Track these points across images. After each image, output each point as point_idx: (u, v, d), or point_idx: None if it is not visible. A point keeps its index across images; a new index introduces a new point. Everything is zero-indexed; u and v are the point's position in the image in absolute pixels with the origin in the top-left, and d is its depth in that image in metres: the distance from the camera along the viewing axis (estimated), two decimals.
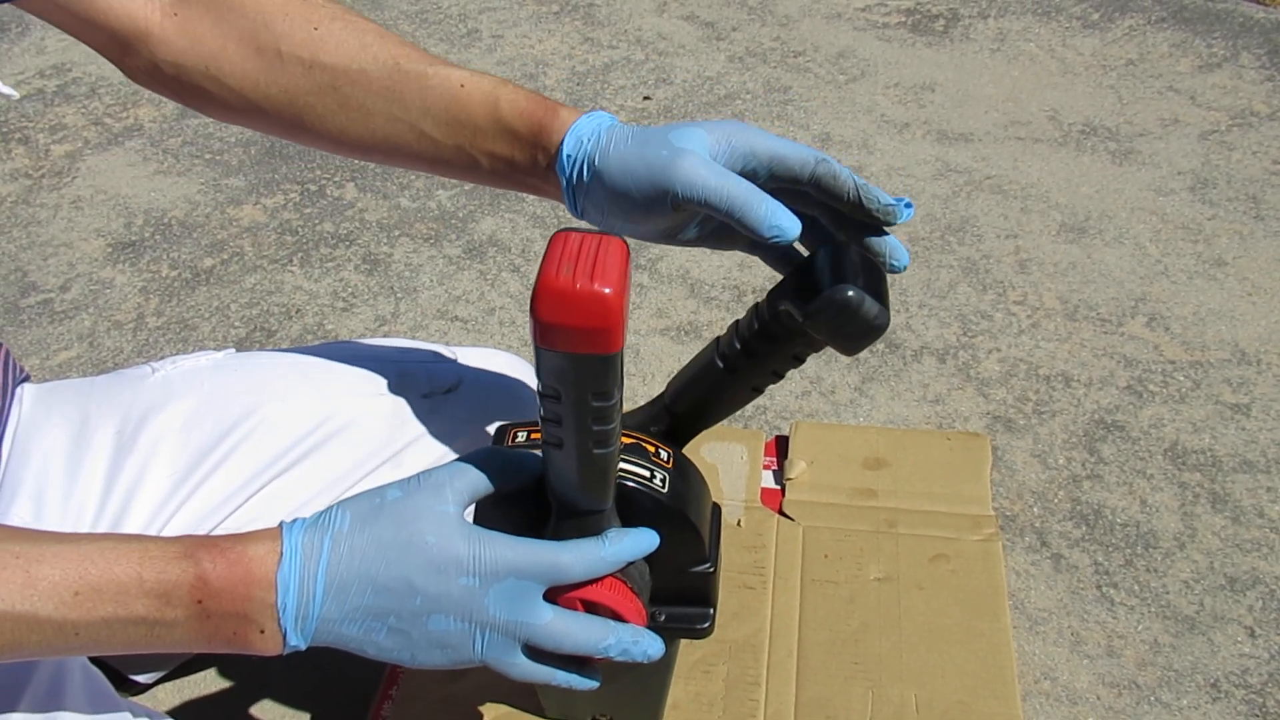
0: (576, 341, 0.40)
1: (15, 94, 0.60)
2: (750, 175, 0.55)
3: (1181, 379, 1.25)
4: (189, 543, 0.47)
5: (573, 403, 0.43)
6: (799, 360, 0.57)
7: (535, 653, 0.50)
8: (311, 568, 0.46)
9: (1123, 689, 0.94)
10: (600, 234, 0.41)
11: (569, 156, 0.57)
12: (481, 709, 0.75)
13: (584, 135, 0.57)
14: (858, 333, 0.53)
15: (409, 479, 0.49)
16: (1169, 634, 0.98)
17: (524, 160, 0.59)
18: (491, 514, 0.51)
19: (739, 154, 0.55)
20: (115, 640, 0.46)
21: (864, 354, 1.30)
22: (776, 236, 0.52)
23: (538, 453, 0.51)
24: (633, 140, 0.55)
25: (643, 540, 0.51)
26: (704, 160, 0.53)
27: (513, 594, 0.47)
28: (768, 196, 0.53)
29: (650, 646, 0.51)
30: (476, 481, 0.49)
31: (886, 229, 0.57)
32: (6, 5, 0.60)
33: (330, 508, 0.48)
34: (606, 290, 0.39)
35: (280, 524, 0.48)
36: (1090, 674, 0.95)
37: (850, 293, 0.51)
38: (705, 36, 2.00)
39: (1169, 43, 1.91)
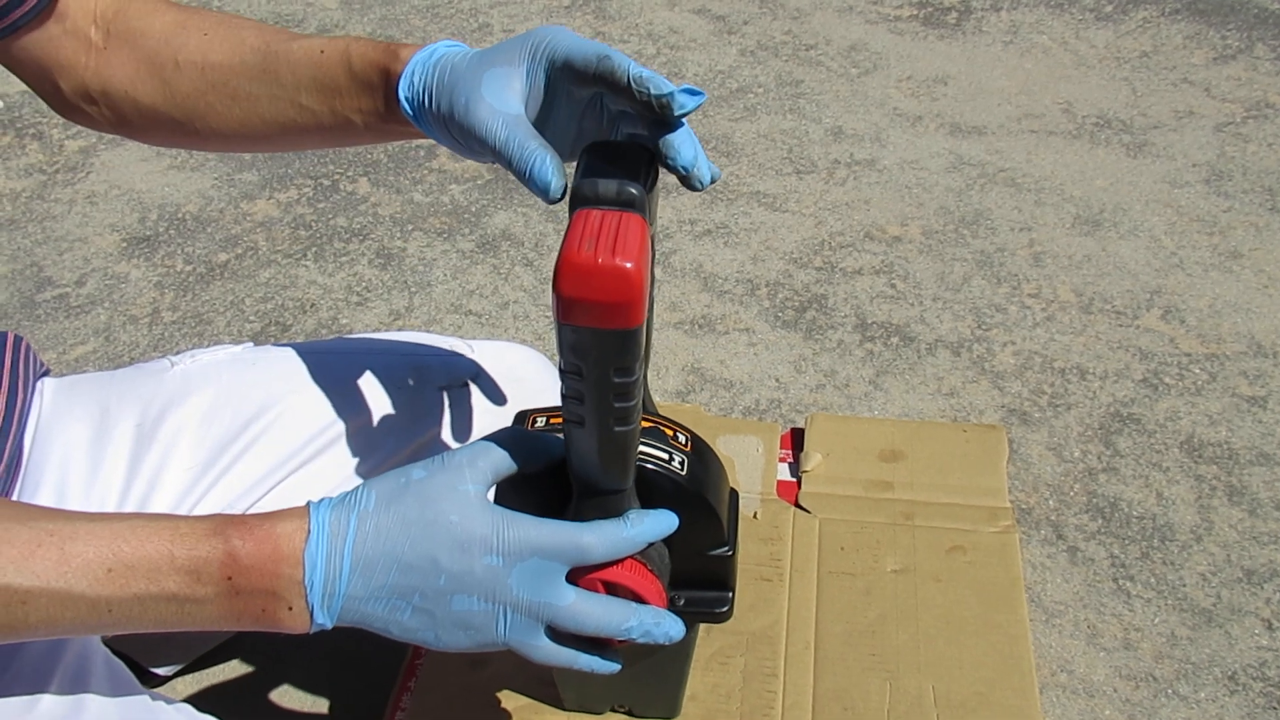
0: (598, 316, 0.40)
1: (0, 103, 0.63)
2: (561, 85, 0.55)
3: (1198, 371, 1.25)
4: (219, 520, 0.47)
5: (594, 379, 0.43)
6: None
7: (557, 635, 0.50)
8: (338, 545, 0.47)
9: (1140, 682, 0.94)
10: (621, 212, 0.42)
11: (407, 99, 0.58)
12: (500, 700, 0.75)
13: (415, 74, 0.58)
14: None
15: (432, 459, 0.49)
16: (1186, 627, 0.98)
17: (384, 109, 0.61)
18: (511, 496, 0.51)
19: (543, 68, 0.55)
20: (147, 617, 0.47)
21: (878, 347, 1.30)
22: (540, 194, 0.52)
23: (559, 435, 0.51)
24: (450, 76, 0.56)
25: (663, 521, 0.51)
26: (492, 108, 0.54)
27: (536, 574, 0.48)
28: (535, 154, 0.52)
29: (672, 628, 0.51)
30: (499, 462, 0.50)
31: (677, 122, 0.52)
32: None
33: (356, 487, 0.49)
34: (628, 264, 0.39)
35: (307, 503, 0.48)
36: (1107, 666, 0.95)
37: (581, 188, 0.49)
38: (717, 30, 2.00)
39: (1183, 34, 1.90)
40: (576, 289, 0.40)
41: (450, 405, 0.79)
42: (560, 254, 0.40)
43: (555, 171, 0.51)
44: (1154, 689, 0.93)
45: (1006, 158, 1.62)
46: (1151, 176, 1.57)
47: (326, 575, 0.47)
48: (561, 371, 0.44)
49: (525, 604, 0.48)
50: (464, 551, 0.47)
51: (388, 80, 0.59)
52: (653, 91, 0.50)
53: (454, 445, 0.77)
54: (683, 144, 0.51)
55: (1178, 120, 1.68)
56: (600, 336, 0.41)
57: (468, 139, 0.55)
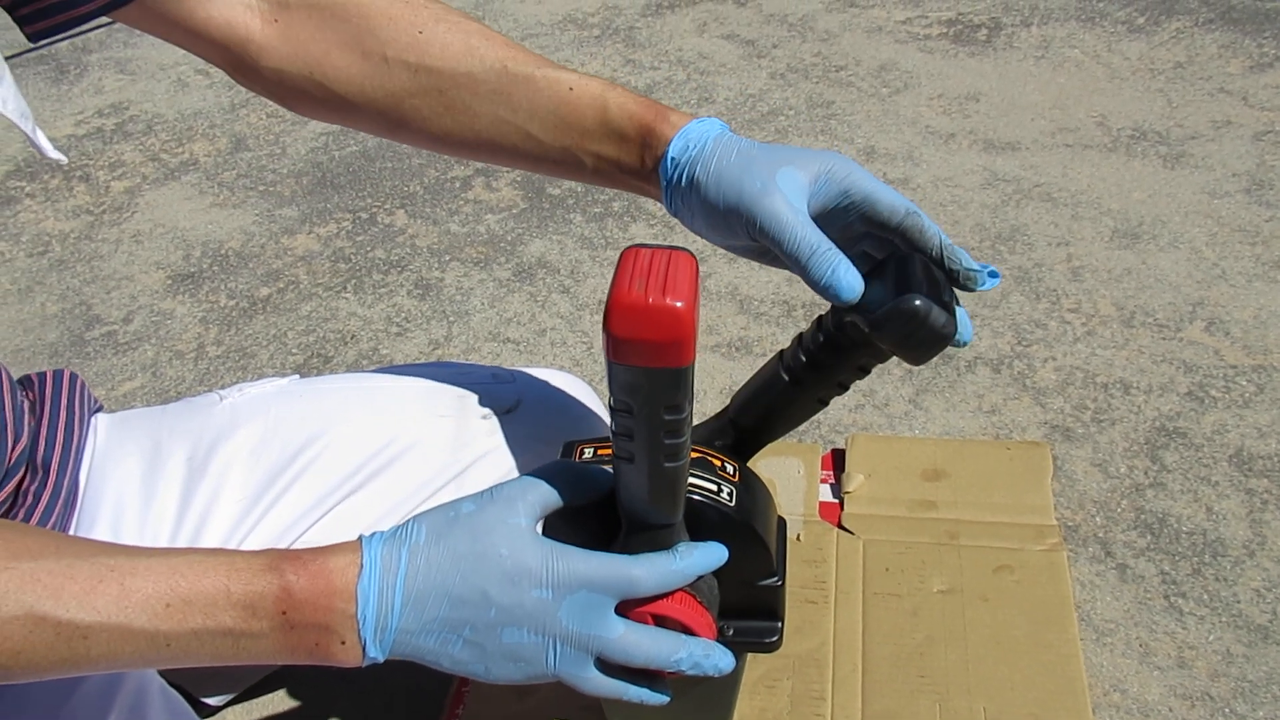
0: (649, 355, 0.41)
1: (64, 159, 0.62)
2: (841, 212, 0.56)
3: (1244, 384, 1.23)
4: (273, 555, 0.48)
5: (645, 417, 0.43)
6: (864, 371, 0.57)
7: (607, 667, 0.50)
8: (390, 579, 0.47)
9: (1196, 701, 0.92)
10: (670, 249, 0.42)
11: (673, 160, 0.58)
12: None
13: (691, 142, 0.58)
14: (926, 341, 0.53)
15: (482, 493, 0.50)
16: (1241, 644, 0.96)
17: (630, 162, 0.60)
18: (560, 528, 0.52)
19: (835, 191, 0.56)
20: (204, 651, 0.47)
21: (917, 366, 1.30)
22: (834, 298, 0.53)
23: (607, 468, 0.52)
24: (736, 158, 0.56)
25: (712, 554, 0.51)
26: (789, 205, 0.54)
27: (585, 606, 0.48)
28: (837, 258, 0.53)
29: (721, 660, 0.51)
30: (547, 495, 0.50)
31: (964, 293, 0.56)
32: (99, 22, 0.62)
33: (407, 521, 0.49)
34: (678, 304, 0.40)
35: (359, 537, 0.49)
36: (1161, 686, 0.93)
37: (917, 302, 0.51)
38: (746, 54, 2.01)
39: (1218, 44, 1.88)
40: (627, 328, 0.40)
41: (493, 433, 0.80)
42: (611, 293, 0.41)
43: (857, 276, 0.53)
44: (1210, 708, 0.91)
45: (1041, 173, 1.62)
46: (1190, 187, 1.55)
47: (379, 609, 0.47)
48: (611, 409, 0.44)
49: (575, 636, 0.48)
50: (514, 584, 0.47)
51: (648, 137, 0.59)
52: (963, 265, 0.54)
53: (499, 470, 0.78)
54: (967, 320, 0.55)
55: (1215, 130, 1.67)
56: (651, 375, 0.42)
57: (750, 226, 0.55)
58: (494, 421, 0.80)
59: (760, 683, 0.76)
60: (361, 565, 0.47)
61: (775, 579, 0.55)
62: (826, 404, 0.60)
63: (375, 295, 1.51)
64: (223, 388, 0.82)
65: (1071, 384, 1.25)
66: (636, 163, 0.60)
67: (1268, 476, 1.11)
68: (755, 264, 1.49)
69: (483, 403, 0.81)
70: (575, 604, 0.48)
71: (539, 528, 0.50)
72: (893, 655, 0.78)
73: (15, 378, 0.73)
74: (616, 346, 0.41)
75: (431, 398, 0.80)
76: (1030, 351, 1.30)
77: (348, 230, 1.65)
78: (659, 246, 0.42)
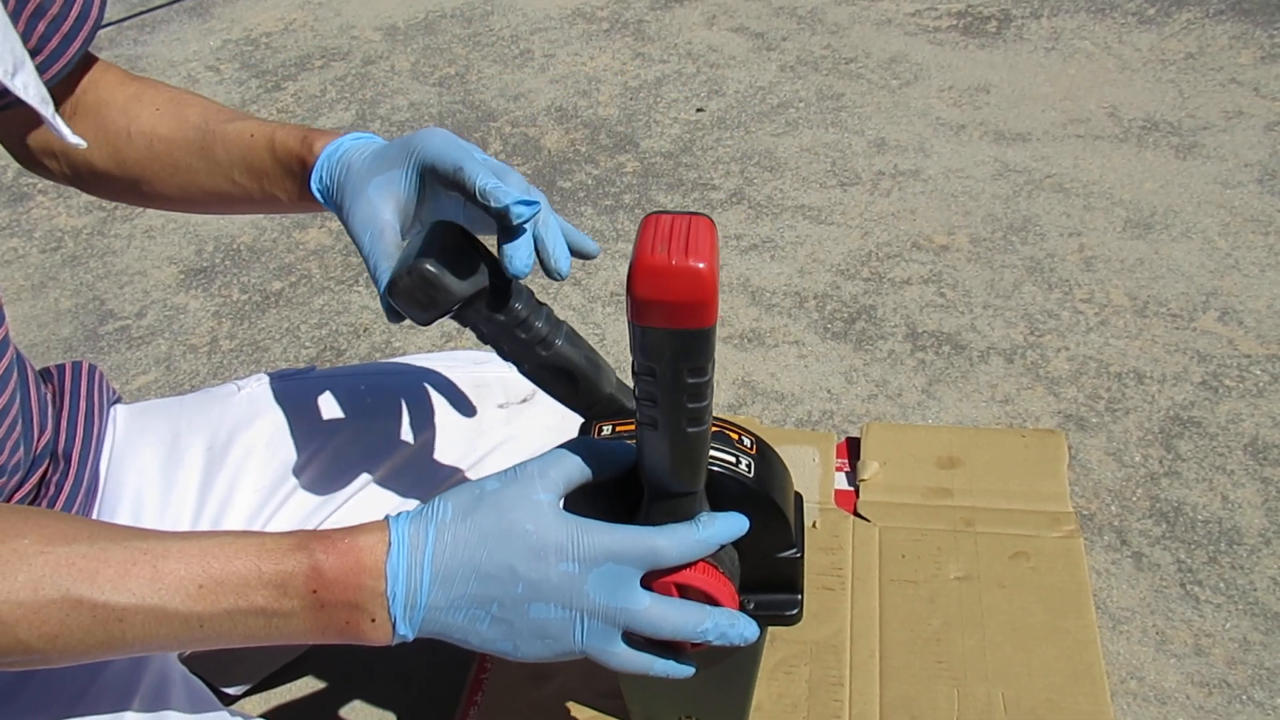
0: (673, 316, 0.41)
1: (83, 143, 0.64)
2: (432, 185, 0.60)
3: (1259, 373, 1.23)
4: (302, 535, 0.48)
5: (668, 380, 0.44)
6: (488, 326, 0.60)
7: (633, 640, 0.50)
8: (418, 556, 0.47)
9: (1213, 688, 0.92)
10: (690, 214, 0.43)
11: (318, 192, 0.64)
12: (565, 711, 0.76)
13: (322, 172, 0.64)
14: (424, 302, 0.56)
15: (506, 470, 0.50)
16: (1259, 631, 0.96)
17: (304, 193, 0.66)
18: (581, 505, 0.52)
19: (415, 168, 0.60)
20: (236, 631, 0.48)
21: (930, 356, 1.29)
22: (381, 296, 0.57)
23: (628, 443, 0.52)
24: (347, 177, 0.62)
25: (734, 523, 0.51)
26: (365, 219, 0.59)
27: (611, 579, 0.48)
28: (387, 272, 0.56)
29: (746, 629, 0.52)
30: (571, 471, 0.50)
31: (518, 230, 0.56)
32: None
33: (432, 500, 0.50)
34: (700, 265, 0.40)
35: (386, 516, 0.49)
36: (1178, 673, 0.93)
37: (403, 271, 0.55)
38: (755, 47, 2.01)
39: (1229, 35, 1.87)
40: (651, 290, 0.41)
41: (509, 422, 0.80)
42: (634, 257, 0.41)
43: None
44: (1228, 695, 0.91)
45: (1053, 163, 1.61)
46: (1202, 178, 1.55)
47: (408, 587, 0.47)
48: (635, 374, 0.45)
49: (602, 609, 0.48)
50: (540, 559, 0.48)
51: (304, 169, 0.65)
52: (492, 205, 0.55)
53: (514, 460, 0.78)
54: (515, 253, 0.56)
55: (1227, 120, 1.66)
56: (674, 337, 0.42)
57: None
58: (509, 411, 0.81)
59: (778, 668, 0.76)
60: (390, 543, 0.48)
61: (794, 550, 0.55)
62: (538, 345, 0.61)
63: None
64: (239, 378, 0.82)
65: (1085, 374, 1.25)
66: (304, 192, 0.66)
67: None
68: (767, 255, 1.49)
69: (497, 392, 0.81)
70: (601, 577, 0.48)
71: (561, 505, 0.51)
72: (910, 641, 0.78)
73: None
74: (640, 308, 0.41)
75: (448, 387, 0.80)
76: (1043, 341, 1.30)
77: None
78: (679, 212, 0.43)
